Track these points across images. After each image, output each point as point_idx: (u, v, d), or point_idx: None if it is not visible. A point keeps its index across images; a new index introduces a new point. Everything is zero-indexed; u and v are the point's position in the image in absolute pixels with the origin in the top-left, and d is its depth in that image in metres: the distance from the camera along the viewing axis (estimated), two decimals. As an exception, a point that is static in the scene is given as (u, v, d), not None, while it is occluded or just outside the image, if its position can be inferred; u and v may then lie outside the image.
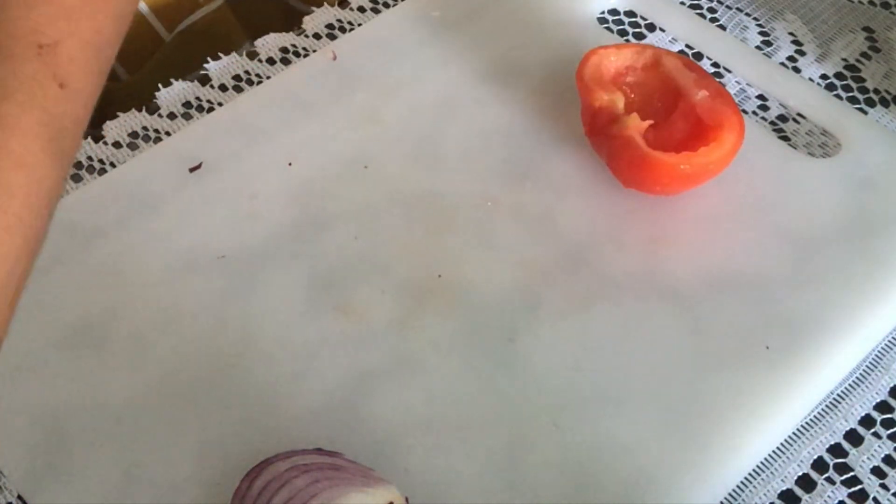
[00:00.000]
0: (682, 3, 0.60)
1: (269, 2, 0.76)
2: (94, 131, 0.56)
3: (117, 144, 0.56)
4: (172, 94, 0.58)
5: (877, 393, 0.45)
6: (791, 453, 0.43)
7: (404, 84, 0.56)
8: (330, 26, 0.61)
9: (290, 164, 0.53)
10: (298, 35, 0.61)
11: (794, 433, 0.44)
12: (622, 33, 0.59)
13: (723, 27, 0.59)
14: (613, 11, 0.60)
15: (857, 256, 0.47)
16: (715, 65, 0.57)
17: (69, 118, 0.33)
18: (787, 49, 0.58)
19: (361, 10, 0.62)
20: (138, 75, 0.68)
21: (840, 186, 0.50)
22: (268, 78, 0.58)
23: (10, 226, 0.30)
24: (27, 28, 0.32)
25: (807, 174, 0.51)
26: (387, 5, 0.62)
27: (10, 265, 0.30)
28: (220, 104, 0.57)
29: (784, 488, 0.42)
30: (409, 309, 0.47)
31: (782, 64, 0.57)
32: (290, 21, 0.62)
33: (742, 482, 0.42)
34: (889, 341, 0.46)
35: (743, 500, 0.42)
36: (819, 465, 0.43)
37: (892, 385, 0.45)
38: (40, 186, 0.31)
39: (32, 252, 0.32)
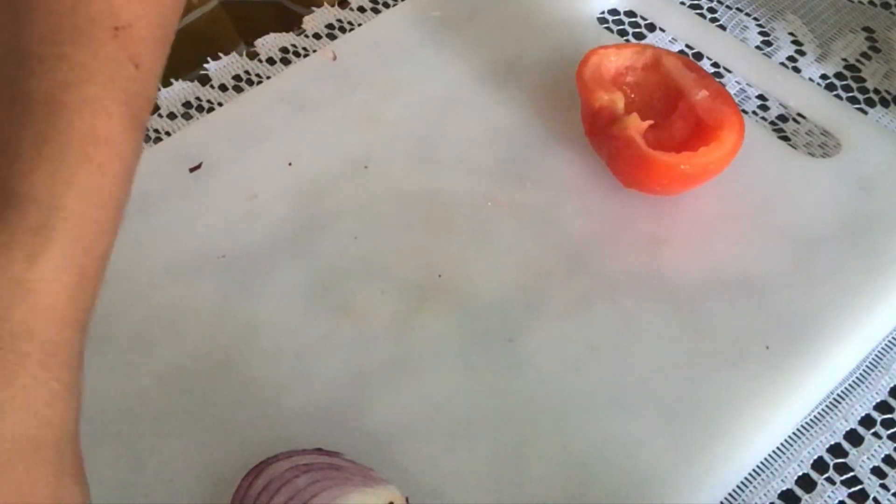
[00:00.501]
0: (682, 3, 0.60)
1: (264, 3, 0.76)
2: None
3: (117, 144, 0.56)
4: (172, 94, 0.58)
5: (877, 393, 0.45)
6: (791, 453, 0.43)
7: (404, 84, 0.56)
8: (330, 26, 0.62)
9: (290, 164, 0.53)
10: (298, 35, 0.61)
11: (794, 433, 0.44)
12: (622, 33, 0.59)
13: (723, 27, 0.59)
14: (613, 11, 0.60)
15: (857, 256, 0.47)
16: (715, 65, 0.57)
17: (144, 97, 0.34)
18: (787, 49, 0.58)
19: (361, 10, 0.62)
20: None
21: (840, 186, 0.50)
22: (268, 78, 0.58)
23: (104, 203, 0.32)
24: (104, 11, 0.33)
25: (807, 174, 0.51)
26: (387, 5, 0.62)
27: (108, 239, 0.32)
28: (220, 104, 0.57)
29: (784, 488, 0.42)
30: (409, 309, 0.47)
31: (782, 64, 0.57)
32: (285, 22, 0.62)
33: (742, 482, 0.42)
34: (889, 341, 0.46)
35: (743, 500, 0.42)
36: (819, 465, 0.43)
37: (892, 385, 0.45)
38: (125, 163, 0.33)
39: (119, 226, 0.33)
